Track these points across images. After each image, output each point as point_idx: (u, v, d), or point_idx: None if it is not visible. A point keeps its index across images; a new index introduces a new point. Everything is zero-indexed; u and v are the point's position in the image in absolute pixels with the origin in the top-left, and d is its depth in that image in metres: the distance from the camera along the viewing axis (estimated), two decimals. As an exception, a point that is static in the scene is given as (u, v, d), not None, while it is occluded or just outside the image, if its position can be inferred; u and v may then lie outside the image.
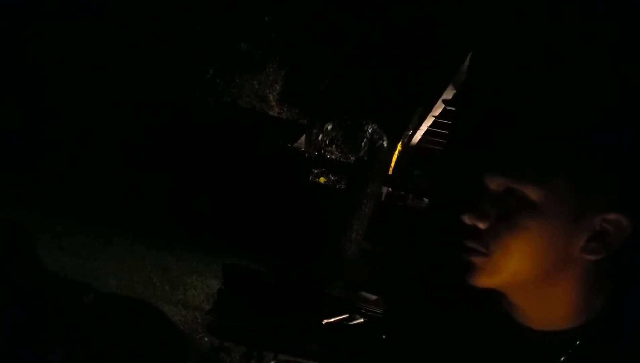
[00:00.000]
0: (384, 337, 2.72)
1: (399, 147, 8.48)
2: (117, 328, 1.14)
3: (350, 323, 2.82)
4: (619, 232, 0.74)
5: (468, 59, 3.30)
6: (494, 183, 0.79)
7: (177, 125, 11.24)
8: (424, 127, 7.57)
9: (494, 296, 0.84)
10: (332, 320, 2.78)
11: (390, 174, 9.63)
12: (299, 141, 13.00)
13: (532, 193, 0.75)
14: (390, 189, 11.69)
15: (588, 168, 0.74)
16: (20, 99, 9.90)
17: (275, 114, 15.69)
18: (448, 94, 5.56)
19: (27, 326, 1.02)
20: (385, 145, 7.85)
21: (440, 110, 6.32)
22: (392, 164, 9.02)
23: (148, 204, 10.07)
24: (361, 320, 2.84)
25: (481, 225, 0.79)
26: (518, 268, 0.77)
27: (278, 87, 14.24)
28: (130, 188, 10.40)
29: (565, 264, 0.76)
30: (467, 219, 0.79)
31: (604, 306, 0.78)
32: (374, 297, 3.15)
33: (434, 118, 6.83)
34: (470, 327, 0.89)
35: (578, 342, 0.77)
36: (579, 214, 0.75)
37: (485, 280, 0.80)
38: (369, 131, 7.93)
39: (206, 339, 3.27)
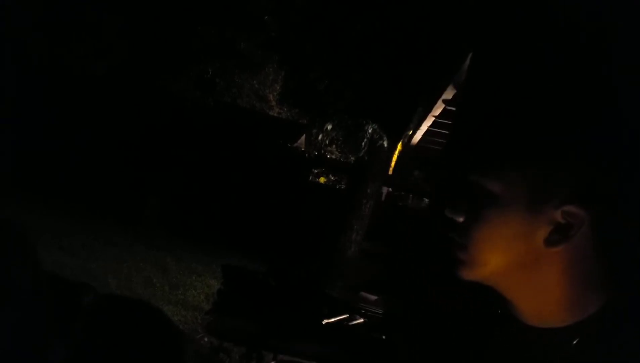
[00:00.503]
0: (384, 337, 2.72)
1: (399, 147, 8.47)
2: (116, 329, 1.14)
3: (350, 324, 2.82)
4: (579, 224, 0.75)
5: (468, 59, 3.30)
6: (470, 178, 0.83)
7: (177, 125, 11.24)
8: (424, 127, 7.55)
9: (493, 296, 0.84)
10: (332, 320, 2.78)
11: (390, 174, 9.63)
12: (299, 141, 12.99)
13: (492, 186, 0.79)
14: (390, 189, 11.68)
15: (544, 163, 0.77)
16: (20, 99, 9.89)
17: (275, 114, 15.65)
18: (448, 94, 5.55)
19: (27, 326, 1.02)
20: (385, 145, 7.84)
21: (440, 110, 6.30)
22: (392, 164, 9.02)
23: (148, 204, 10.07)
24: (361, 320, 2.84)
25: (458, 219, 0.83)
26: (492, 260, 0.80)
27: (278, 87, 14.21)
28: (130, 188, 10.40)
29: (537, 256, 0.78)
30: (446, 213, 0.84)
31: (602, 304, 0.78)
32: (374, 297, 3.15)
33: (434, 118, 6.82)
34: (470, 327, 0.89)
35: (575, 342, 0.77)
36: (537, 206, 0.77)
37: (467, 273, 0.83)
38: (369, 131, 7.91)
39: (206, 339, 3.27)
